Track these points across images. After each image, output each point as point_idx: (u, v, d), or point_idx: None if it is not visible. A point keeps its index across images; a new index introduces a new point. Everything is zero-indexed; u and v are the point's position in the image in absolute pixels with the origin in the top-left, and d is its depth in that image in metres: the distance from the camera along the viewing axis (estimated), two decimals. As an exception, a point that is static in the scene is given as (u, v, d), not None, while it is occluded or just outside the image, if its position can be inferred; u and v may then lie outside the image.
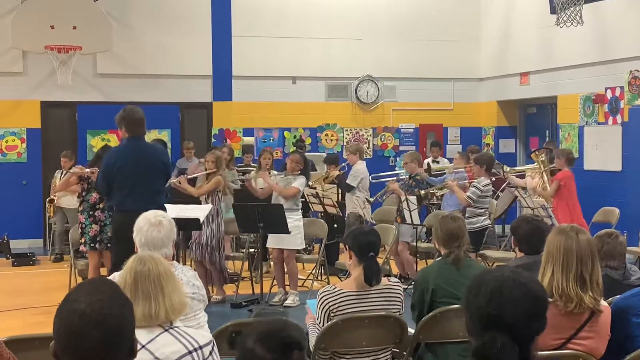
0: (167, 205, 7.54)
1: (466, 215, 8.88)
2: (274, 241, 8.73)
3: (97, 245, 8.36)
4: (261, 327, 2.26)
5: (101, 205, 8.44)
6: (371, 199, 10.36)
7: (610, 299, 3.90)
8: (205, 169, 8.97)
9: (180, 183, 8.99)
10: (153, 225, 4.05)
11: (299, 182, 8.77)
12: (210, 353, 2.99)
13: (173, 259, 4.21)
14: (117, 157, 7.15)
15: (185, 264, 8.14)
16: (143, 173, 7.00)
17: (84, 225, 8.46)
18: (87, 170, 8.60)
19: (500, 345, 2.22)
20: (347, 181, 10.58)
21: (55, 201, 11.54)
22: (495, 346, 2.22)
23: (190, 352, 2.92)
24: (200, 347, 2.96)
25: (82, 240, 8.47)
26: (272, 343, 2.15)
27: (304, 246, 9.23)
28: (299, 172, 8.86)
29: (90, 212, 8.45)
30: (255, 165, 12.41)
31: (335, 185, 10.94)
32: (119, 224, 6.94)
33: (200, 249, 8.64)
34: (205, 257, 8.63)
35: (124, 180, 6.99)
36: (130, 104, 13.12)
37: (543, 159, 10.17)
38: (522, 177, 10.93)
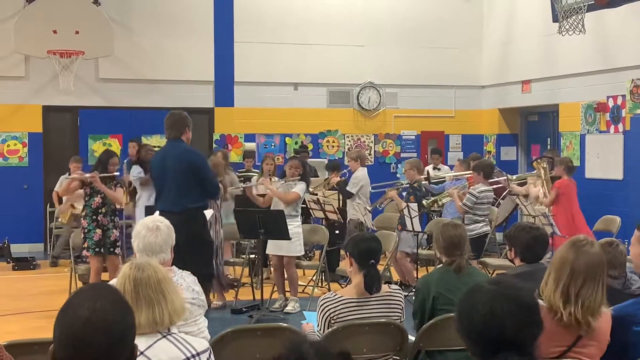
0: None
1: (465, 222, 8.88)
2: (272, 248, 8.71)
3: (101, 250, 8.40)
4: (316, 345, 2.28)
5: (103, 210, 8.46)
6: (369, 207, 10.33)
7: (610, 308, 3.88)
8: None
9: None
10: (150, 231, 4.05)
11: (299, 188, 8.74)
12: (208, 360, 2.99)
13: (172, 264, 4.20)
14: (152, 160, 7.98)
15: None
16: (166, 176, 7.47)
17: (86, 230, 8.46)
18: (87, 175, 8.63)
19: None
20: (347, 188, 10.56)
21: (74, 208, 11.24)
22: None
23: (188, 359, 2.93)
24: (198, 354, 2.96)
25: (85, 245, 8.47)
26: (330, 356, 2.19)
27: (303, 252, 9.19)
28: (299, 177, 8.83)
29: (93, 217, 8.46)
30: (256, 170, 12.39)
31: (337, 191, 10.94)
32: None
33: None
34: None
35: (154, 181, 7.82)
36: (132, 109, 13.37)
37: (545, 166, 10.17)
38: (523, 184, 10.92)
